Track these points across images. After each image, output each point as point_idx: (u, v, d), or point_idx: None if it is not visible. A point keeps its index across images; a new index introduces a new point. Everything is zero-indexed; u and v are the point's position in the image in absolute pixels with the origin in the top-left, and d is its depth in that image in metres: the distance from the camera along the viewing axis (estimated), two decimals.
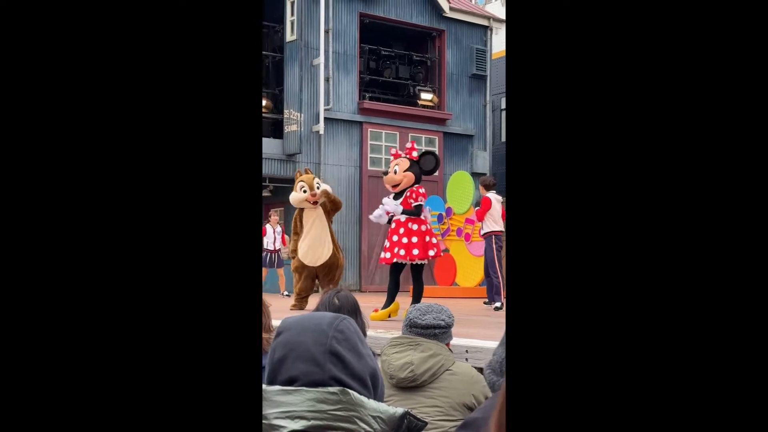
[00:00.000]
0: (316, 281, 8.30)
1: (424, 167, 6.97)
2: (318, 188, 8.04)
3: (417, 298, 6.68)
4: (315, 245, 7.96)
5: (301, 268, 8.04)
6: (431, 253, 6.76)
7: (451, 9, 15.82)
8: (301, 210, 8.18)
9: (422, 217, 6.81)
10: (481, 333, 5.24)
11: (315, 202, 8.00)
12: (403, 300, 6.93)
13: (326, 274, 8.09)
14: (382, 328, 5.55)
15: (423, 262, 6.78)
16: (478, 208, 8.70)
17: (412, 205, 6.74)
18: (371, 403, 1.29)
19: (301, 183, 8.08)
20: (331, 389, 1.26)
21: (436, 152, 7.47)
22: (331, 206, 8.19)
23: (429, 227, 6.90)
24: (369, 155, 14.70)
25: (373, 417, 1.28)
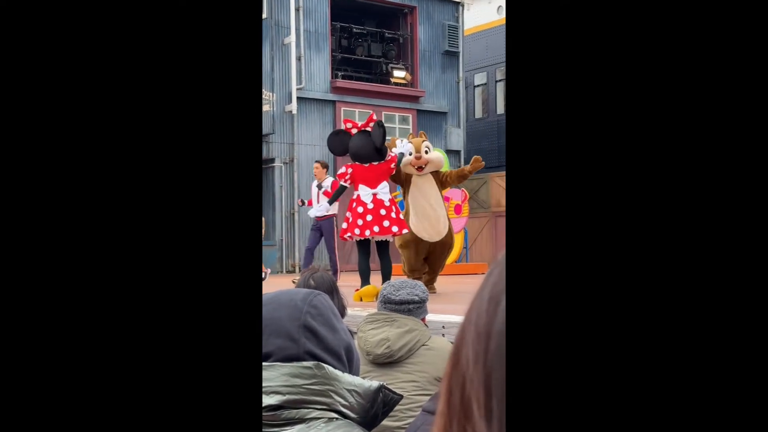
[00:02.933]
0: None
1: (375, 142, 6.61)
2: (427, 153, 6.81)
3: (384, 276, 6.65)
4: (432, 218, 6.82)
5: (415, 242, 6.82)
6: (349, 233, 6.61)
7: None
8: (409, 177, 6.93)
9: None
10: (458, 309, 5.27)
11: (420, 168, 6.78)
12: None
13: (441, 252, 6.98)
14: (360, 306, 5.57)
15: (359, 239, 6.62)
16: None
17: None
18: (346, 377, 1.30)
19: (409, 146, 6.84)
20: (306, 364, 1.27)
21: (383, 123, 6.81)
22: (455, 180, 7.06)
23: (354, 207, 6.66)
24: None
25: (349, 391, 1.29)
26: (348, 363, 1.35)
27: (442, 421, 0.42)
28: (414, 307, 2.83)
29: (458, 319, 4.57)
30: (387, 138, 6.85)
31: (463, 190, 11.64)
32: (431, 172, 6.88)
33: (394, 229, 6.50)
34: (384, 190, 6.62)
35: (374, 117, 7.00)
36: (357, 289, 6.76)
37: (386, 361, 2.71)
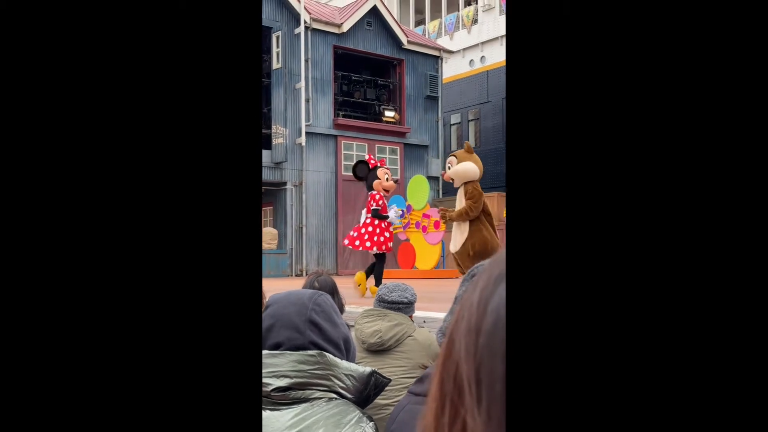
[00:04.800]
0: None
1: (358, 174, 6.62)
2: (450, 168, 6.17)
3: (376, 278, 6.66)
4: (455, 232, 6.32)
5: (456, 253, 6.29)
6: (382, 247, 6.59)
7: (408, 42, 15.81)
8: None
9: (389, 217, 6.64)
10: (435, 306, 5.24)
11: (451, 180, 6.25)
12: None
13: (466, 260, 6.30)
14: (356, 304, 5.52)
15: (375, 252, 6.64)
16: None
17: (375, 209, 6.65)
18: (344, 364, 1.27)
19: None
20: (310, 352, 1.24)
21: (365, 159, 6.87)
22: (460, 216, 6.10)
23: (383, 226, 6.63)
24: (343, 162, 14.63)
25: (346, 375, 1.26)
26: (346, 352, 1.33)
27: (434, 404, 0.40)
28: (403, 307, 2.82)
29: (437, 315, 4.53)
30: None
31: (440, 209, 11.62)
32: (462, 185, 6.20)
33: (375, 248, 6.54)
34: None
35: (373, 158, 7.07)
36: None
37: (378, 349, 2.68)
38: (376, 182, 6.66)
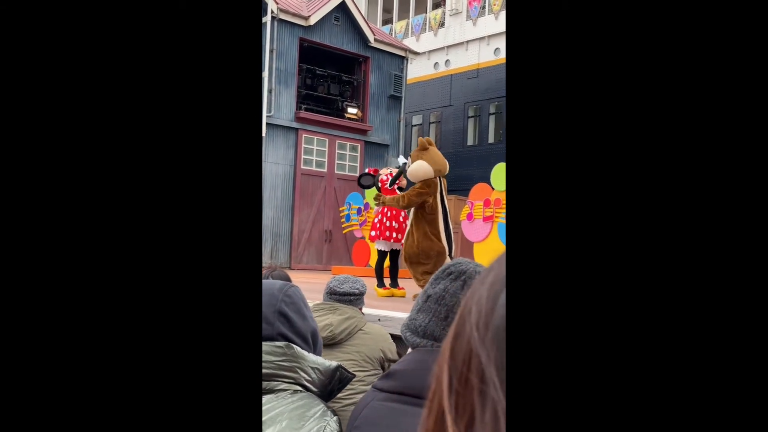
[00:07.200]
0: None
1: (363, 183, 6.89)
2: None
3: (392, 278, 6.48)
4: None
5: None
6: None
7: (375, 40, 15.82)
8: None
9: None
10: (390, 305, 5.28)
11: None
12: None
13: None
14: (309, 299, 5.50)
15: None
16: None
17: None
18: (311, 357, 1.27)
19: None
20: (278, 344, 1.24)
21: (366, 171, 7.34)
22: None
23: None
24: (302, 156, 14.53)
25: (312, 368, 1.26)
26: (313, 345, 1.32)
27: (445, 401, 0.40)
28: (354, 299, 2.85)
29: (392, 313, 4.54)
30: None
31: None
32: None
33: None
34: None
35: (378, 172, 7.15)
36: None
37: (329, 343, 2.68)
38: (381, 179, 6.75)
